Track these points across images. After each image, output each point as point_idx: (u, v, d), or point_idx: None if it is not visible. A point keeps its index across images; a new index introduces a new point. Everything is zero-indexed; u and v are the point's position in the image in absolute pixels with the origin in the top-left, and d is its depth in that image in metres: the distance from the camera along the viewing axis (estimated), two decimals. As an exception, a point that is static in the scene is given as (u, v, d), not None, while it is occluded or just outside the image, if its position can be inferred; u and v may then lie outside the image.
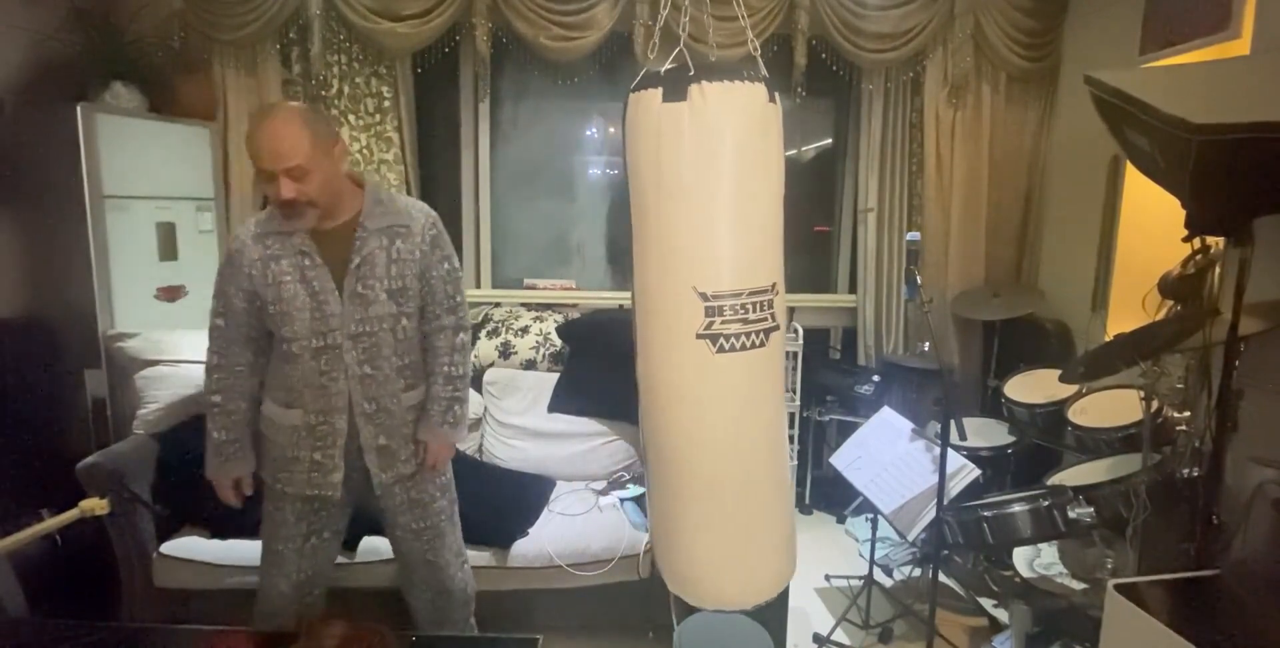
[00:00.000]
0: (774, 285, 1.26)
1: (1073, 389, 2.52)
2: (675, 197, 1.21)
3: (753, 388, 1.27)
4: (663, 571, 1.37)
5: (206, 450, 1.78)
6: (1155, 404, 1.98)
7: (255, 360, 1.78)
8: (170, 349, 2.47)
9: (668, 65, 1.22)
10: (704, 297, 1.21)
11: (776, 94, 1.25)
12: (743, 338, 1.22)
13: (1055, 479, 2.39)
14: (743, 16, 1.46)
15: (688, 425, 1.28)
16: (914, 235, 2.36)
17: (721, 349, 1.22)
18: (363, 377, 1.72)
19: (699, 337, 1.21)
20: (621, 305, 3.19)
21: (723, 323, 1.21)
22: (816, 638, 2.46)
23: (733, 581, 1.33)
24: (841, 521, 3.37)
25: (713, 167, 1.19)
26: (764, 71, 1.26)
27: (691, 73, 1.17)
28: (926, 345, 3.38)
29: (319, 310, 1.67)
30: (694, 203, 1.20)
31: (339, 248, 1.68)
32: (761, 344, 1.24)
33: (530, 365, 3.00)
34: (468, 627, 2.04)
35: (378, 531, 2.15)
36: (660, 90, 1.19)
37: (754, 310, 1.23)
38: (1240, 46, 2.20)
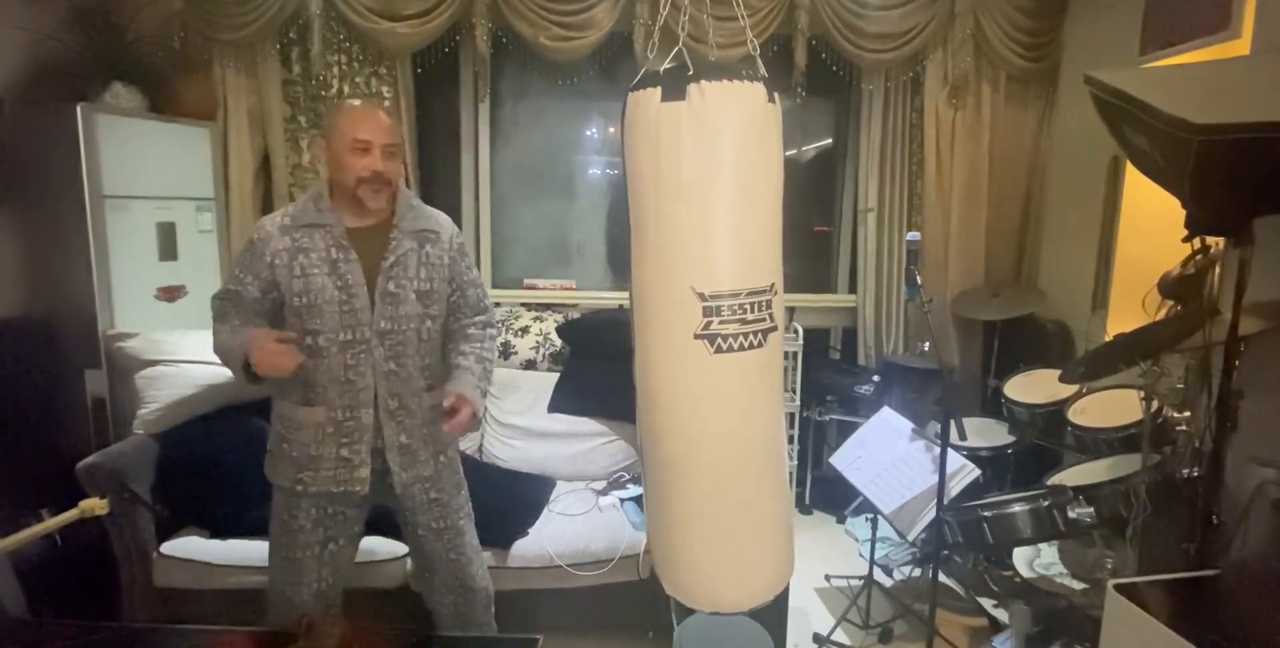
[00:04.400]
0: (772, 286, 1.25)
1: (1073, 389, 2.52)
2: (674, 196, 1.20)
3: (751, 389, 1.26)
4: (659, 573, 1.36)
5: (232, 350, 1.64)
6: (1155, 404, 1.98)
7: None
8: (170, 349, 2.46)
9: (666, 64, 1.22)
10: (702, 297, 1.20)
11: (776, 94, 1.25)
12: (740, 338, 1.21)
13: (1055, 479, 2.39)
14: (742, 16, 1.46)
15: (685, 426, 1.27)
16: (914, 235, 2.36)
17: (719, 350, 1.21)
18: (388, 373, 1.73)
19: (697, 337, 1.20)
20: (621, 305, 3.18)
21: (720, 323, 1.20)
22: (816, 638, 2.46)
23: (731, 583, 1.31)
24: (841, 521, 3.37)
25: (711, 166, 1.18)
26: (763, 71, 1.25)
27: (690, 72, 1.17)
28: (926, 345, 3.38)
29: (348, 305, 1.69)
30: (692, 202, 1.20)
31: (371, 246, 1.72)
32: (760, 345, 1.23)
33: (530, 365, 3.00)
34: (490, 629, 2.03)
35: (379, 531, 2.15)
36: (659, 89, 1.19)
37: (752, 311, 1.22)
38: (1240, 46, 2.20)
